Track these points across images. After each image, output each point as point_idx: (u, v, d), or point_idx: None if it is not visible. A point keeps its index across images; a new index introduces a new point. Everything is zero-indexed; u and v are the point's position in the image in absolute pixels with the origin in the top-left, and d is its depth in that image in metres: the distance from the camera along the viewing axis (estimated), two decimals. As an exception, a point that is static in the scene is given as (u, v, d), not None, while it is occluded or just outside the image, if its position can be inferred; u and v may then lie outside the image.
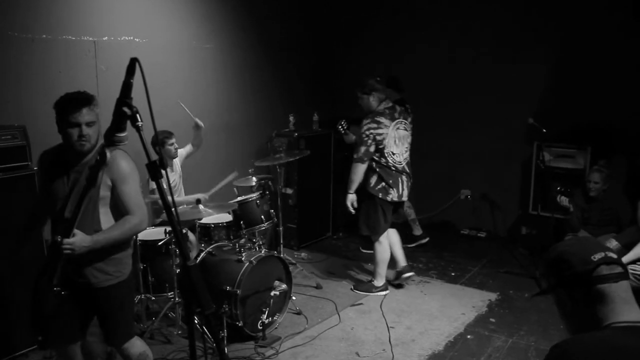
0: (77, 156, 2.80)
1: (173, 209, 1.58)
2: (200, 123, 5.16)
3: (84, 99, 2.73)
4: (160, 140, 4.81)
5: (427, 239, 6.49)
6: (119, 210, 2.86)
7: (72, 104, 2.71)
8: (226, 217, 4.76)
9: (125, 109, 1.71)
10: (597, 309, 1.53)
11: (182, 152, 5.21)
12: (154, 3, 5.31)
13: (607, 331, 1.48)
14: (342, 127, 5.96)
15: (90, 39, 4.78)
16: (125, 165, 2.84)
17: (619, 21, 5.74)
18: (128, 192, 2.84)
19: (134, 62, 1.67)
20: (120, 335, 3.03)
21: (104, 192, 2.80)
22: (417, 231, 6.50)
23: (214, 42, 5.95)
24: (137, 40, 5.13)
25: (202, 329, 3.84)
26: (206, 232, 4.68)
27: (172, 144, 4.90)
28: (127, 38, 5.05)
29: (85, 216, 2.71)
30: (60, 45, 4.58)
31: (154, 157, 1.68)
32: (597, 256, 1.55)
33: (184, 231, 4.32)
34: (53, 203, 2.80)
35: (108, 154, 2.71)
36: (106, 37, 4.89)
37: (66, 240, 2.59)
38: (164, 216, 4.96)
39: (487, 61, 6.61)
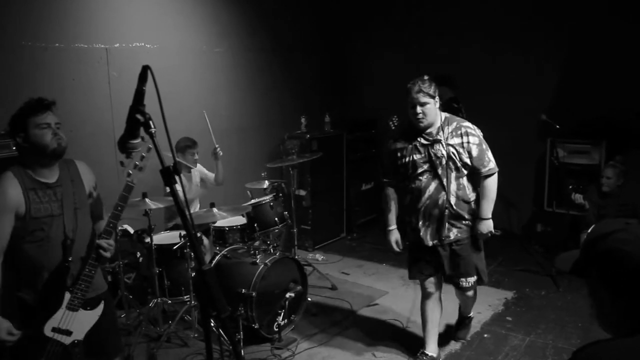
0: (50, 171, 2.66)
1: (187, 214, 1.59)
2: (220, 151, 5.06)
3: (48, 102, 2.69)
4: (182, 146, 4.84)
5: None
6: (92, 215, 2.89)
7: (41, 106, 2.66)
8: (240, 220, 4.77)
9: (138, 116, 1.72)
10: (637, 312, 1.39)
11: (204, 171, 5.25)
12: (164, 9, 5.35)
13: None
14: (394, 123, 5.81)
15: (102, 46, 4.83)
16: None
17: (632, 12, 5.67)
18: (100, 197, 2.93)
19: (145, 69, 1.68)
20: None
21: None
22: None
23: (225, 46, 5.97)
24: (148, 46, 5.17)
25: (219, 331, 3.86)
26: (220, 235, 4.70)
27: (194, 153, 4.92)
28: (138, 44, 5.09)
29: (86, 231, 2.76)
30: (73, 53, 4.63)
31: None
32: None
33: (199, 235, 4.34)
34: (32, 226, 2.58)
35: (78, 164, 2.80)
36: (118, 44, 4.93)
37: (107, 242, 2.62)
38: (177, 220, 4.99)
39: (498, 58, 6.57)
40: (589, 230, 1.49)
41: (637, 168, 5.53)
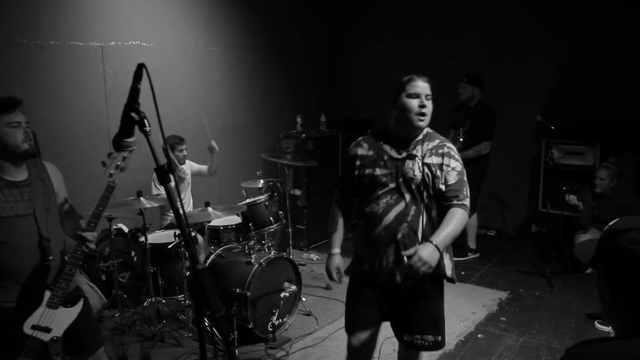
0: (17, 170, 2.65)
1: (182, 213, 1.59)
2: (215, 146, 5.14)
3: (17, 101, 2.63)
4: (170, 144, 4.84)
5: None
6: (68, 216, 2.90)
7: (10, 104, 2.59)
8: (235, 220, 4.77)
9: (133, 115, 1.71)
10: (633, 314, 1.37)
11: (195, 166, 5.25)
12: (160, 7, 5.33)
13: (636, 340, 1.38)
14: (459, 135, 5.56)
15: (98, 44, 4.82)
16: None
17: (627, 14, 5.69)
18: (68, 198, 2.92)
19: (140, 67, 1.68)
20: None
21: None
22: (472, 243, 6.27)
23: (220, 45, 5.96)
24: (144, 44, 5.16)
25: (212, 331, 3.86)
26: (215, 235, 4.69)
27: (182, 150, 4.92)
28: (134, 42, 5.08)
29: (58, 230, 2.76)
30: (68, 50, 4.62)
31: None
32: None
33: (193, 234, 4.33)
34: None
35: (46, 165, 2.79)
36: (113, 42, 4.92)
37: (92, 234, 2.61)
38: (171, 219, 4.99)
39: (494, 58, 6.58)
40: (611, 224, 1.44)
41: (629, 169, 5.57)
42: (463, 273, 5.66)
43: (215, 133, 5.37)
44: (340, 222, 3.04)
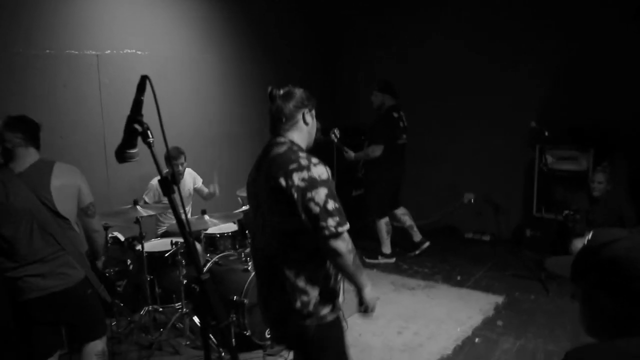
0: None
1: (186, 224, 1.60)
2: (217, 190, 5.22)
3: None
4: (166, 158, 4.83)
5: (428, 243, 6.39)
6: None
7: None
8: (231, 227, 4.77)
9: (136, 126, 1.72)
10: (634, 317, 1.41)
11: (199, 181, 5.29)
12: (155, 16, 5.35)
13: (636, 340, 1.38)
14: (336, 135, 5.86)
15: (93, 52, 4.82)
16: None
17: (620, 22, 5.75)
18: None
19: (144, 79, 1.69)
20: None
21: None
22: (417, 237, 6.41)
23: (215, 53, 5.98)
24: (139, 52, 5.17)
25: (207, 339, 3.85)
26: (212, 242, 4.69)
27: (182, 163, 4.92)
28: (129, 51, 5.09)
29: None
30: (64, 59, 4.62)
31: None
32: None
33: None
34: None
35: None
36: (109, 51, 4.93)
37: None
38: (168, 227, 4.98)
39: (489, 64, 6.64)
40: (589, 237, 1.50)
41: (621, 173, 5.62)
42: (459, 278, 5.69)
43: (211, 141, 5.38)
44: None
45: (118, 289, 4.53)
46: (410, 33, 7.19)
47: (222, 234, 4.70)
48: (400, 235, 6.49)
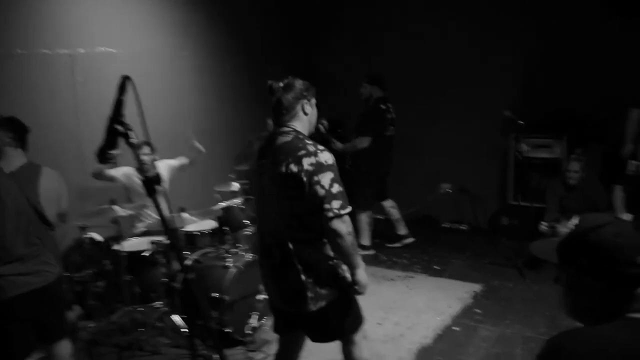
0: None
1: (167, 222, 1.60)
2: (201, 147, 5.19)
3: None
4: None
5: (412, 239, 6.45)
6: None
7: None
8: (210, 224, 4.76)
9: (118, 127, 1.72)
10: (621, 303, 1.46)
11: (173, 163, 5.18)
12: (129, 13, 5.30)
13: (617, 324, 1.44)
14: (324, 126, 5.88)
15: (67, 51, 4.77)
16: None
17: (594, 12, 5.83)
18: None
19: (125, 80, 1.69)
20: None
21: None
22: (402, 231, 6.47)
23: (191, 50, 5.95)
24: (114, 51, 5.12)
25: (191, 335, 3.85)
26: (191, 240, 4.68)
27: (146, 153, 4.87)
28: (103, 49, 5.04)
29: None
30: (37, 59, 4.56)
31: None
32: None
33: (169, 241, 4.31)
34: None
35: None
36: (82, 50, 4.87)
37: None
38: (147, 226, 4.95)
39: (463, 55, 6.69)
40: (577, 222, 1.56)
41: (594, 161, 5.73)
42: (437, 268, 5.75)
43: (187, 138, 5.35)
44: None
45: (96, 289, 4.50)
46: (386, 23, 7.21)
47: (201, 231, 4.69)
48: (381, 227, 6.54)
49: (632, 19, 5.61)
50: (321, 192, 2.40)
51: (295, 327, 2.88)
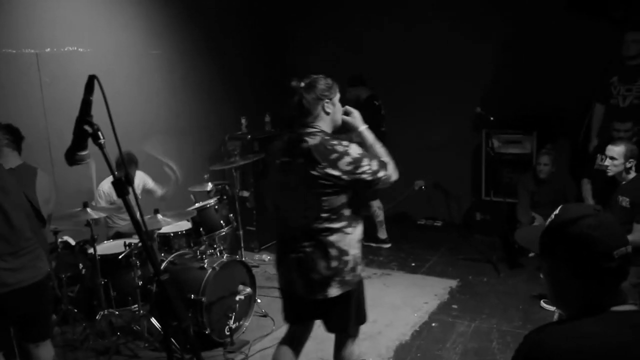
0: None
1: (142, 224, 1.57)
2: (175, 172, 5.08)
3: None
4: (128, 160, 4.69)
5: (389, 245, 6.41)
6: None
7: None
8: (185, 225, 4.71)
9: (86, 127, 1.68)
10: (603, 295, 1.47)
11: (150, 183, 5.15)
12: (96, 11, 5.19)
13: (599, 317, 1.44)
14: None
15: (32, 51, 4.65)
16: None
17: (557, 10, 5.92)
18: None
19: (92, 79, 1.65)
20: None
21: None
22: (382, 235, 6.44)
23: (161, 48, 5.86)
24: (81, 50, 5.02)
25: (168, 339, 3.80)
26: (166, 242, 4.62)
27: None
28: (70, 48, 4.93)
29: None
30: (1, 59, 4.44)
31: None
32: (619, 252, 1.43)
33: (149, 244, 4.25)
34: None
35: None
36: (49, 49, 4.76)
37: None
38: (118, 228, 4.88)
39: (434, 52, 6.73)
40: (557, 212, 1.55)
41: (563, 155, 5.85)
42: (413, 264, 5.79)
43: (160, 138, 5.29)
44: None
45: (71, 294, 4.42)
46: (354, 20, 7.22)
47: (176, 233, 4.64)
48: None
49: (595, 18, 5.71)
50: (368, 178, 2.60)
51: (311, 316, 3.00)
